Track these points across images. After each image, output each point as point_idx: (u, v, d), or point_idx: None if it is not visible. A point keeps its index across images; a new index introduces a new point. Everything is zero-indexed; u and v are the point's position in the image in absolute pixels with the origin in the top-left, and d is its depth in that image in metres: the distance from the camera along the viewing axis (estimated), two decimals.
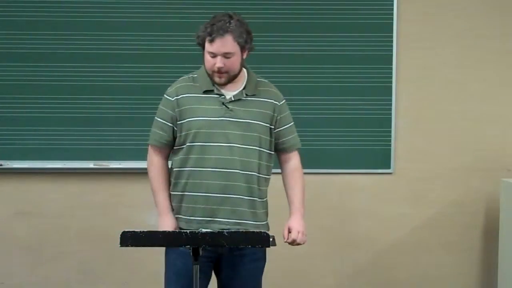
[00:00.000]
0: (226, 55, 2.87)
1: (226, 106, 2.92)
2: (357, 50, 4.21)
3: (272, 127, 3.01)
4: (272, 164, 3.05)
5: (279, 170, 3.08)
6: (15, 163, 4.18)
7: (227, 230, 2.65)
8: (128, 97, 4.13)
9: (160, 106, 3.01)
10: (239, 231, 2.70)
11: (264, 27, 4.17)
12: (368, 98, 4.24)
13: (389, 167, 4.29)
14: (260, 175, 2.98)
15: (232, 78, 2.93)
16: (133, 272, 4.27)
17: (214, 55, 2.87)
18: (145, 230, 2.65)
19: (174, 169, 2.98)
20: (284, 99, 3.08)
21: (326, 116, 4.23)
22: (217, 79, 2.92)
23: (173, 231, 2.62)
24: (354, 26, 4.20)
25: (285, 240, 2.97)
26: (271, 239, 2.61)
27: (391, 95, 4.25)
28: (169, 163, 3.03)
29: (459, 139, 4.33)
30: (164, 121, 2.98)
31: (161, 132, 2.98)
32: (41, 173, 4.21)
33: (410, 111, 4.29)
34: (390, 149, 4.28)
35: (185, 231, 2.59)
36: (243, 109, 2.94)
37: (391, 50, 4.23)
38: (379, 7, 4.20)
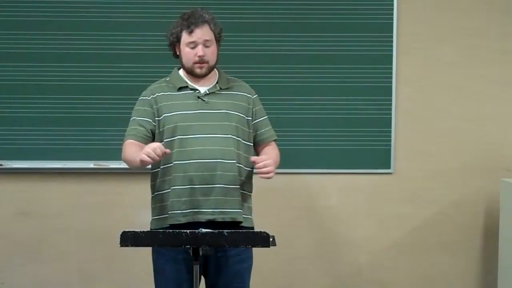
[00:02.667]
0: (206, 43, 2.97)
1: (202, 100, 2.99)
2: (357, 50, 4.20)
3: (250, 118, 3.08)
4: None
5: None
6: (15, 163, 4.18)
7: (227, 230, 2.64)
8: (128, 97, 4.09)
9: (137, 107, 3.08)
10: (239, 231, 2.70)
11: (263, 27, 4.17)
12: (368, 98, 4.23)
13: (389, 167, 4.29)
14: (241, 165, 3.00)
15: (210, 70, 3.02)
16: (133, 272, 4.27)
17: (194, 45, 2.97)
18: (145, 230, 2.65)
19: (160, 167, 2.99)
20: (256, 94, 3.17)
21: (326, 116, 4.23)
22: (198, 70, 3.00)
23: (172, 231, 2.61)
24: (354, 26, 4.20)
25: (256, 164, 2.93)
26: (271, 239, 2.60)
27: (391, 95, 4.25)
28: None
29: (459, 139, 4.33)
30: (142, 118, 3.02)
31: (139, 127, 3.02)
32: (41, 173, 4.21)
33: (410, 111, 4.29)
34: (390, 149, 4.27)
35: (185, 231, 2.59)
36: (219, 101, 3.01)
37: (391, 50, 4.23)
38: (379, 7, 4.20)
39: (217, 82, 3.06)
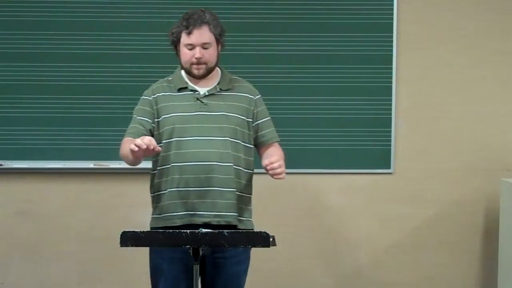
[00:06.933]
0: (204, 46, 2.94)
1: (200, 101, 2.98)
2: (357, 50, 4.21)
3: (250, 120, 3.05)
4: (252, 159, 3.07)
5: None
6: (15, 163, 4.18)
7: (227, 230, 2.64)
8: (128, 97, 4.11)
9: (138, 106, 3.08)
10: (239, 231, 2.70)
11: (263, 27, 4.17)
12: (368, 98, 4.23)
13: (389, 167, 4.29)
14: (239, 168, 2.99)
15: (209, 71, 3.00)
16: (133, 272, 4.27)
17: (192, 47, 2.95)
18: (145, 230, 2.65)
19: (158, 168, 3.01)
20: (260, 94, 3.14)
21: (326, 116, 4.23)
22: (195, 71, 2.98)
23: (173, 231, 2.61)
24: (354, 26, 4.20)
25: (266, 166, 2.88)
26: (271, 239, 2.60)
27: (391, 95, 4.25)
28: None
29: (459, 139, 4.33)
30: (142, 117, 3.02)
31: (139, 126, 3.02)
32: (41, 173, 4.21)
33: (410, 111, 4.29)
34: (390, 149, 4.27)
35: (185, 231, 2.59)
36: (218, 102, 2.99)
37: (391, 50, 4.23)
38: (379, 7, 4.20)
39: (218, 83, 3.03)
